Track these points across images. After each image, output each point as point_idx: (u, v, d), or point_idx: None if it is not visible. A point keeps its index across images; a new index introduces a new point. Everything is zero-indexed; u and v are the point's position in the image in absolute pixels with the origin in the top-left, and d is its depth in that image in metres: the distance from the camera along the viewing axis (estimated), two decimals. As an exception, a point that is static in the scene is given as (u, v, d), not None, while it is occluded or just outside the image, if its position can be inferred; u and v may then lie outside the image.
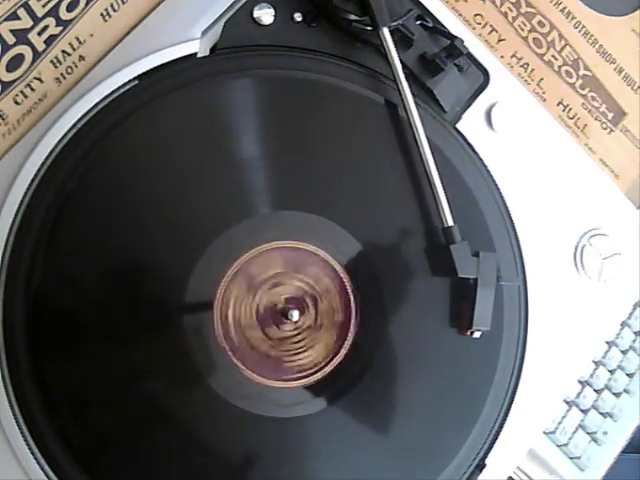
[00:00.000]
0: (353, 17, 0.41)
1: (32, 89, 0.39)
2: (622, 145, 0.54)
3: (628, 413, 0.55)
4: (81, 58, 0.41)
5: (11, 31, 0.38)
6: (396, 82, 0.40)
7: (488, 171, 0.43)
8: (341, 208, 0.40)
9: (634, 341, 0.56)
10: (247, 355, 0.38)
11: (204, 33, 0.41)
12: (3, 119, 0.39)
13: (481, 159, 0.43)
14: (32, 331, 0.37)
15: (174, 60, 0.40)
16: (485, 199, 0.42)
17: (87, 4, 0.40)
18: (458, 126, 0.43)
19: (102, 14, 0.41)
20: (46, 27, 0.39)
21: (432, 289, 0.41)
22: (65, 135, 0.39)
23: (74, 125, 0.39)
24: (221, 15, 0.41)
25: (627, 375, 0.56)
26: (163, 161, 0.39)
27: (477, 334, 0.39)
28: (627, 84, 0.54)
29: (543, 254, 0.43)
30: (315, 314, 0.40)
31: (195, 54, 0.41)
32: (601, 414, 0.54)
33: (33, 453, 0.36)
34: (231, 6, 0.41)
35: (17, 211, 0.38)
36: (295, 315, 0.39)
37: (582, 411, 0.54)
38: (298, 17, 0.42)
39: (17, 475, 0.36)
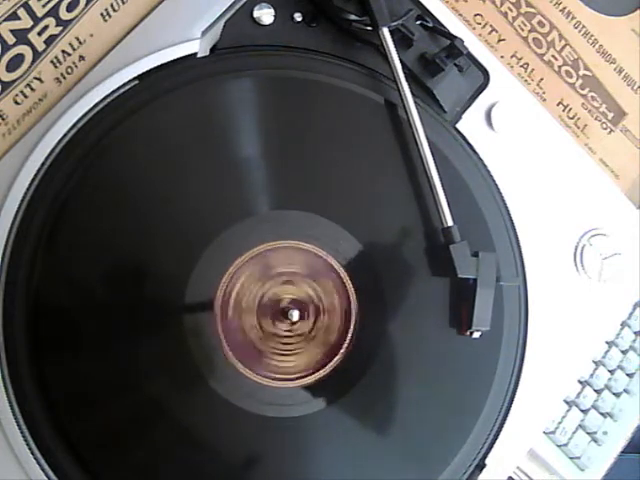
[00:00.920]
0: (353, 17, 0.41)
1: (32, 89, 0.39)
2: (622, 145, 0.54)
3: (628, 413, 0.55)
4: (81, 58, 0.41)
5: (11, 31, 0.38)
6: (396, 82, 0.40)
7: (488, 171, 0.43)
8: (341, 208, 0.40)
9: (634, 341, 0.56)
10: (239, 344, 0.38)
11: (204, 33, 0.41)
12: (3, 119, 0.39)
13: (481, 159, 0.43)
14: (32, 331, 0.37)
15: (174, 60, 0.40)
16: (485, 199, 0.42)
17: (87, 4, 0.40)
18: (458, 126, 0.43)
19: (102, 14, 0.41)
20: (46, 27, 0.39)
21: (432, 289, 0.41)
22: (65, 135, 0.39)
23: (74, 125, 0.39)
24: (221, 15, 0.41)
25: (627, 375, 0.56)
26: (163, 161, 0.39)
27: (476, 334, 0.39)
28: (627, 84, 0.54)
29: (543, 254, 0.43)
30: (312, 325, 0.39)
31: (195, 54, 0.41)
32: (601, 414, 0.54)
33: (33, 453, 0.36)
34: (231, 6, 0.41)
35: (17, 211, 0.38)
36: (295, 316, 0.39)
37: (582, 411, 0.54)
38: (298, 17, 0.42)
39: (17, 475, 0.36)
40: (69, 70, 0.40)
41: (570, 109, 0.53)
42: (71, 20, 0.40)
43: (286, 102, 0.41)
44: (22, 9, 0.38)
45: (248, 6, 0.41)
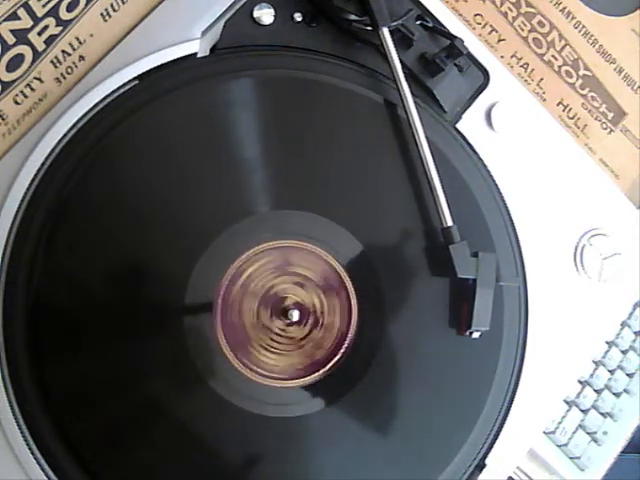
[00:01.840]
0: (353, 17, 0.41)
1: (32, 89, 0.39)
2: (622, 145, 0.54)
3: (628, 413, 0.55)
4: (81, 58, 0.41)
5: (11, 31, 0.38)
6: (396, 82, 0.40)
7: (488, 171, 0.43)
8: (341, 208, 0.40)
9: (634, 341, 0.56)
10: (237, 341, 0.38)
11: (204, 33, 0.41)
12: (3, 119, 0.39)
13: (481, 159, 0.43)
14: (32, 331, 0.37)
15: (174, 60, 0.40)
16: (485, 199, 0.42)
17: (87, 4, 0.40)
18: (458, 126, 0.43)
19: (102, 14, 0.41)
20: (46, 27, 0.39)
21: (432, 289, 0.41)
22: (65, 135, 0.39)
23: (74, 125, 0.39)
24: (221, 15, 0.41)
25: (627, 375, 0.56)
26: (163, 161, 0.39)
27: (476, 334, 0.39)
28: (627, 84, 0.54)
29: (543, 254, 0.43)
30: (305, 335, 0.39)
31: (195, 54, 0.41)
32: (601, 414, 0.54)
33: (33, 453, 0.36)
34: (231, 6, 0.41)
35: (17, 211, 0.38)
36: (295, 316, 0.39)
37: (582, 411, 0.54)
38: (298, 17, 0.42)
39: (17, 475, 0.36)
40: (69, 70, 0.40)
41: (570, 109, 0.53)
42: (71, 20, 0.40)
43: (286, 102, 0.41)
44: (22, 9, 0.38)
45: (248, 6, 0.41)
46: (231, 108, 0.40)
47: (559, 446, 0.53)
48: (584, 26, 0.53)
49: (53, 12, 0.39)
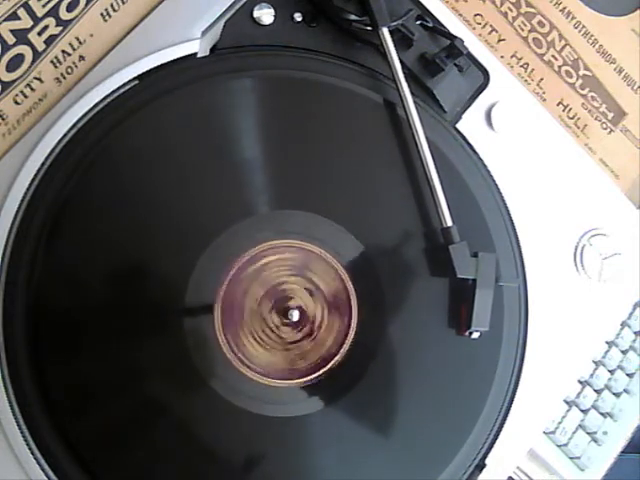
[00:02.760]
0: (353, 17, 0.41)
1: (32, 89, 0.39)
2: (622, 145, 0.54)
3: (628, 413, 0.55)
4: (81, 58, 0.41)
5: (11, 31, 0.38)
6: (395, 82, 0.40)
7: (488, 171, 0.43)
8: (340, 207, 0.40)
9: (634, 341, 0.56)
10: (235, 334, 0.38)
11: (204, 33, 0.41)
12: (3, 119, 0.39)
13: (481, 159, 0.43)
14: (32, 331, 0.37)
15: (174, 60, 0.40)
16: (485, 199, 0.42)
17: (87, 4, 0.40)
18: (458, 126, 0.43)
19: (102, 14, 0.41)
20: (46, 27, 0.39)
21: (432, 289, 0.41)
22: (65, 135, 0.39)
23: (74, 125, 0.39)
24: (221, 15, 0.41)
25: (627, 375, 0.56)
26: (163, 161, 0.39)
27: (475, 335, 0.39)
28: (627, 84, 0.54)
29: (543, 254, 0.43)
30: (295, 341, 0.39)
31: (195, 54, 0.41)
32: (601, 414, 0.54)
33: (33, 453, 0.36)
34: (231, 6, 0.41)
35: (17, 211, 0.38)
36: (295, 316, 0.39)
37: (582, 411, 0.54)
38: (298, 17, 0.42)
39: (17, 475, 0.36)
40: (69, 70, 0.40)
41: (570, 109, 0.53)
42: (71, 20, 0.40)
43: (286, 102, 0.41)
44: (22, 9, 0.38)
45: (248, 6, 0.41)
46: (231, 108, 0.40)
47: (559, 446, 0.53)
48: (584, 26, 0.53)
49: (53, 12, 0.39)
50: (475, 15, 0.52)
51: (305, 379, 0.39)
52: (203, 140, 0.40)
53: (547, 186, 0.44)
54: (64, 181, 0.38)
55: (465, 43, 0.41)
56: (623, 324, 0.56)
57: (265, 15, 0.41)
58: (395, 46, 0.40)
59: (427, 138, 0.40)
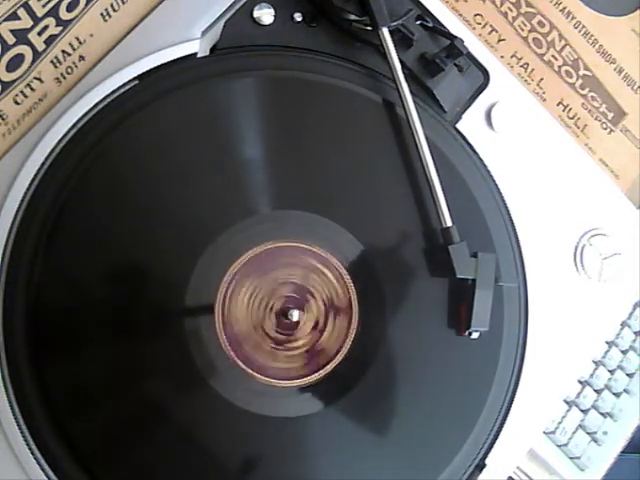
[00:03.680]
0: (353, 17, 0.41)
1: (32, 89, 0.39)
2: (622, 145, 0.54)
3: (628, 413, 0.55)
4: (81, 58, 0.41)
5: (11, 31, 0.38)
6: (395, 82, 0.40)
7: (488, 171, 0.43)
8: (340, 208, 0.40)
9: (634, 341, 0.56)
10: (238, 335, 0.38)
11: (204, 33, 0.41)
12: (3, 119, 0.39)
13: (481, 159, 0.43)
14: (32, 331, 0.37)
15: (174, 60, 0.40)
16: (485, 199, 0.42)
17: (87, 4, 0.40)
18: (458, 126, 0.43)
19: (102, 14, 0.41)
20: (46, 27, 0.39)
21: (432, 289, 0.41)
22: (65, 135, 0.39)
23: (74, 125, 0.39)
24: (221, 15, 0.41)
25: (627, 375, 0.56)
26: (163, 161, 0.39)
27: (475, 335, 0.39)
28: (627, 84, 0.54)
29: (543, 254, 0.43)
30: (299, 338, 0.39)
31: (195, 54, 0.41)
32: (601, 414, 0.54)
33: (33, 453, 0.36)
34: (231, 6, 0.41)
35: (17, 211, 0.38)
36: (295, 316, 0.39)
37: (582, 411, 0.54)
38: (298, 17, 0.42)
39: (17, 475, 0.36)
40: (69, 70, 0.40)
41: (570, 109, 0.53)
42: (71, 20, 0.40)
43: (286, 102, 0.41)
44: (22, 9, 0.38)
45: (248, 6, 0.41)
46: (231, 108, 0.40)
47: (559, 446, 0.53)
48: (584, 26, 0.53)
49: (53, 12, 0.39)
50: (475, 15, 0.52)
51: (305, 379, 0.39)
52: (203, 140, 0.40)
53: (547, 186, 0.44)
54: (64, 181, 0.38)
55: (465, 43, 0.41)
56: (623, 324, 0.56)
57: (265, 15, 0.41)
58: (395, 46, 0.40)
59: (427, 138, 0.40)
